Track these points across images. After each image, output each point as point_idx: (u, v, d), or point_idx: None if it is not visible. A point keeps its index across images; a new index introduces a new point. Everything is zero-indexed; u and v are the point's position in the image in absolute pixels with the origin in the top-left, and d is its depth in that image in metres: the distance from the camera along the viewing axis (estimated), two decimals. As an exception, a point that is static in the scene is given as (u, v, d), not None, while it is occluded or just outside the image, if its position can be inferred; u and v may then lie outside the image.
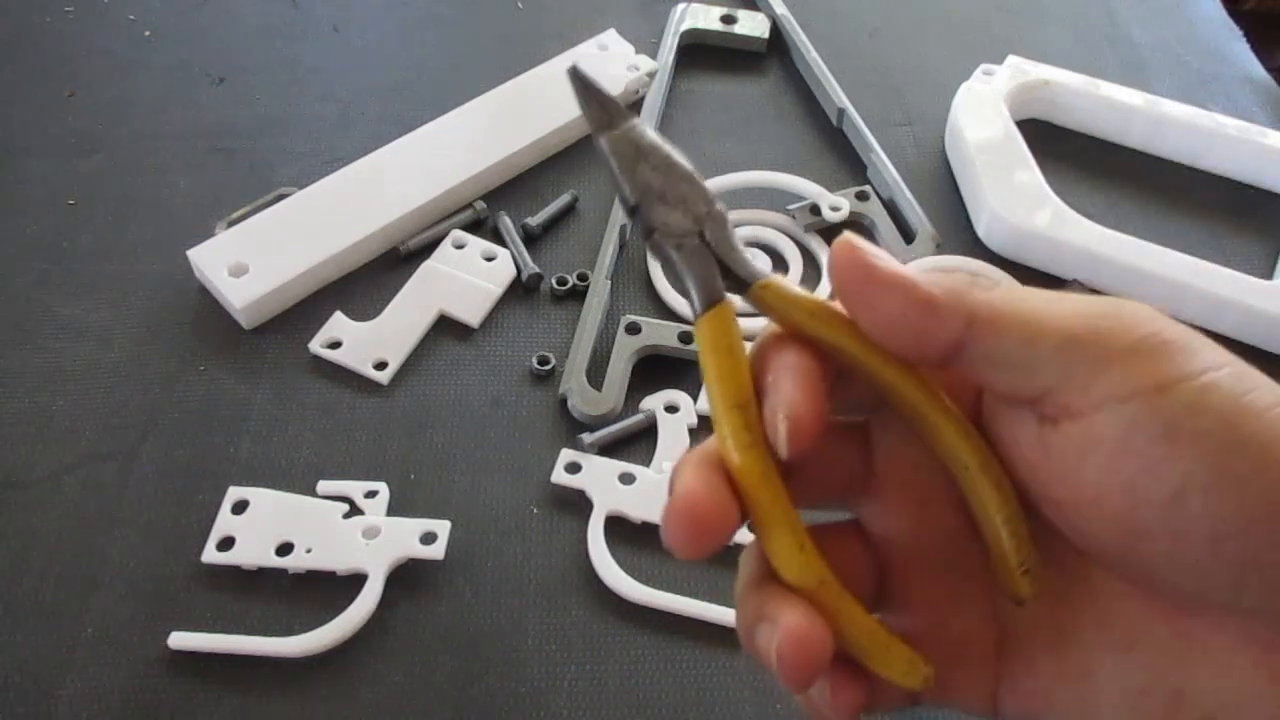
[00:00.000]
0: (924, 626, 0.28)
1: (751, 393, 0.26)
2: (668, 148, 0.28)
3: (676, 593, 0.46)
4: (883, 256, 0.25)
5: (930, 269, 0.26)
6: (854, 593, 0.26)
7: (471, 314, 0.56)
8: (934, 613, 0.28)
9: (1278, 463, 0.21)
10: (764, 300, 0.27)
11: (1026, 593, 0.26)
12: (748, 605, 0.26)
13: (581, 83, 0.27)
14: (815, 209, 0.61)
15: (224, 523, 0.47)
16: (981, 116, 0.65)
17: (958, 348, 0.24)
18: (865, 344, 0.26)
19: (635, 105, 0.67)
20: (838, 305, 0.26)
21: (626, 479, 0.49)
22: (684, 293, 0.28)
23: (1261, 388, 0.22)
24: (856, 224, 0.61)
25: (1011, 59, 0.68)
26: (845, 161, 0.66)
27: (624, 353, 0.54)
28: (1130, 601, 0.25)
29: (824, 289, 0.58)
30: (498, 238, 0.60)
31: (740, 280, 0.28)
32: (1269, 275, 0.59)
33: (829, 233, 0.61)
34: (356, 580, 0.46)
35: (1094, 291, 0.57)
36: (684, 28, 0.72)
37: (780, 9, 0.74)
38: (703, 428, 0.52)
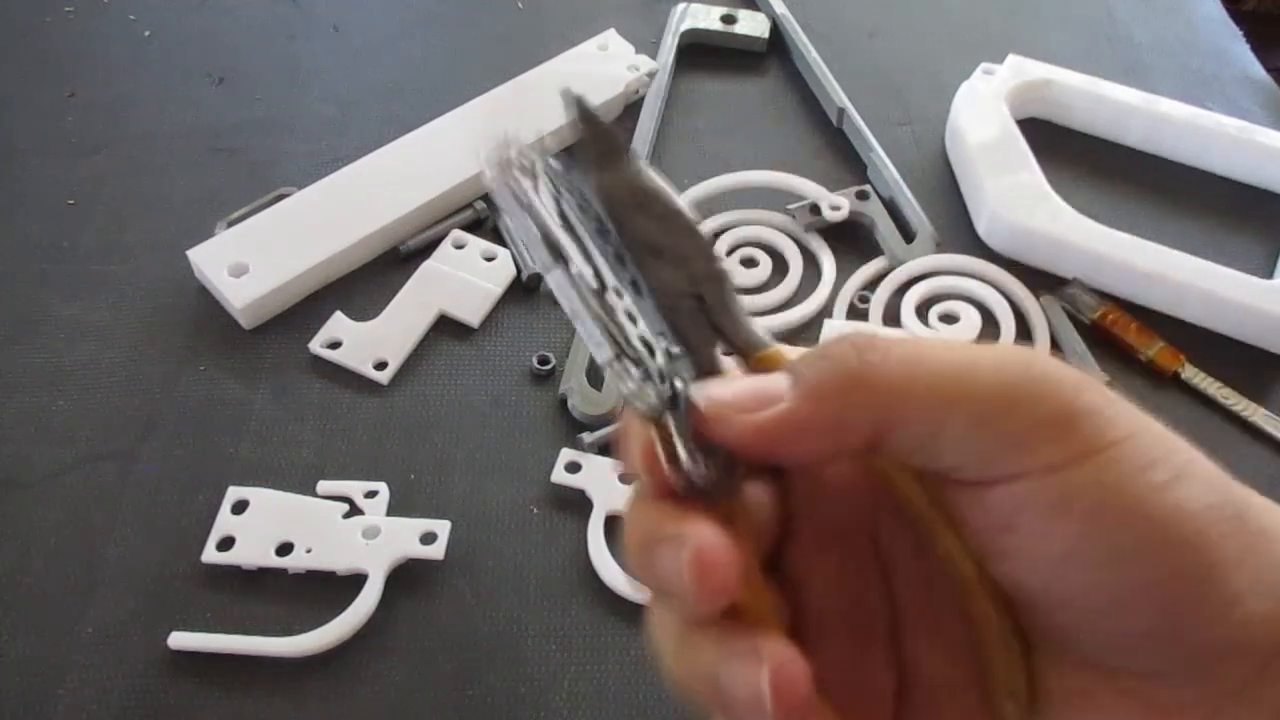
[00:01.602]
0: (829, 671, 0.26)
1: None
2: (670, 192, 0.25)
3: (676, 592, 0.46)
4: (745, 412, 0.23)
5: (807, 360, 0.23)
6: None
7: (471, 314, 0.56)
8: (840, 668, 0.27)
9: (1162, 539, 0.21)
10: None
11: (1009, 717, 0.25)
12: (643, 522, 0.24)
13: (579, 105, 0.25)
14: (815, 209, 0.61)
15: (224, 523, 0.47)
16: (981, 116, 0.65)
17: (871, 445, 0.23)
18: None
19: (635, 105, 0.67)
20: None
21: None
22: None
23: (1159, 462, 0.22)
24: (856, 223, 0.61)
25: (1011, 59, 0.68)
26: (845, 161, 0.66)
27: (624, 352, 0.54)
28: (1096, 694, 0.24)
29: (820, 297, 0.58)
30: (498, 238, 0.60)
31: (739, 349, 0.25)
32: (1269, 275, 0.59)
33: (829, 232, 0.61)
34: (356, 580, 0.46)
35: (1094, 291, 0.57)
36: (684, 28, 0.72)
37: (780, 9, 0.74)
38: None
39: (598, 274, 0.25)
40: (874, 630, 0.27)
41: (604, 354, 0.24)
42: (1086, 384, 0.22)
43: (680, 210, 0.25)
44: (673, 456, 0.23)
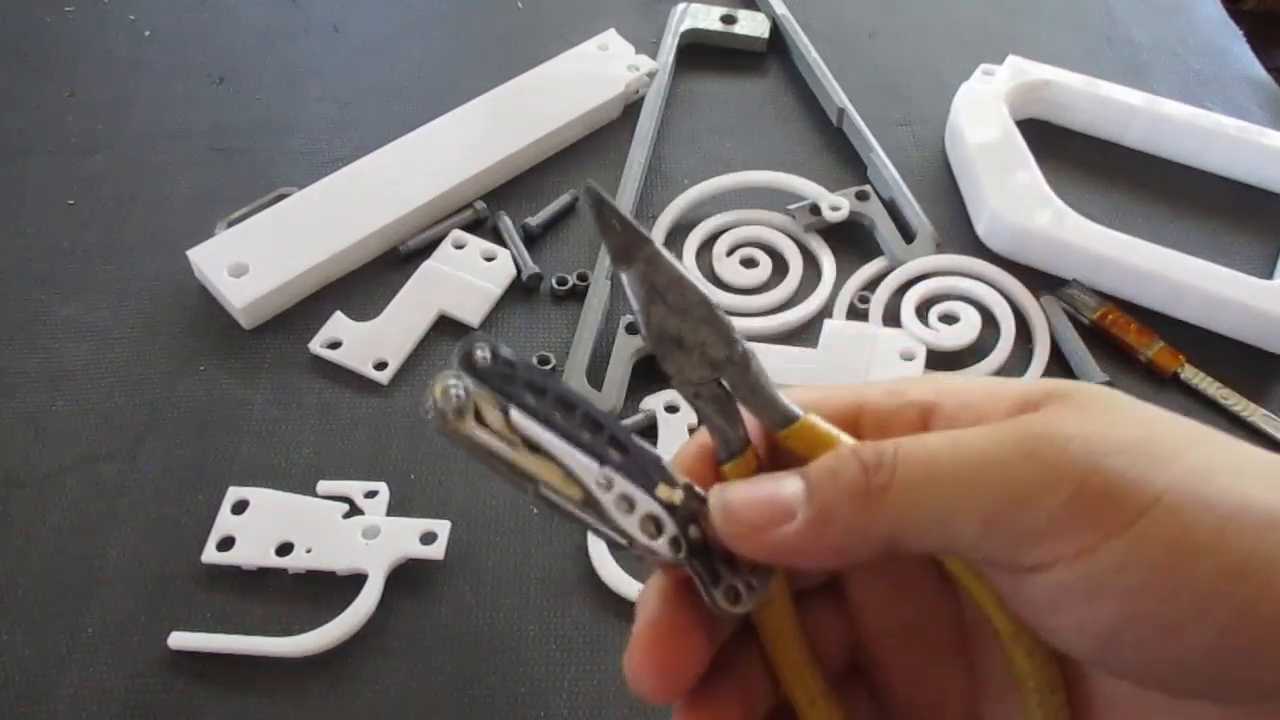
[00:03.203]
0: (898, 691, 0.28)
1: None
2: (687, 279, 0.25)
3: (676, 593, 0.46)
4: (765, 524, 0.23)
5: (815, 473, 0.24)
6: (827, 655, 0.26)
7: (471, 314, 0.56)
8: (907, 677, 0.28)
9: (1210, 604, 0.20)
10: (795, 449, 0.25)
11: None
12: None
13: (598, 204, 0.25)
14: (815, 209, 0.61)
15: (224, 523, 0.47)
16: (981, 116, 0.65)
17: (888, 554, 0.23)
18: None
19: (635, 105, 0.67)
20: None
21: (626, 479, 0.49)
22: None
23: (1197, 520, 0.20)
24: (856, 224, 0.61)
25: (1011, 59, 0.68)
26: (845, 161, 0.66)
27: (624, 353, 0.54)
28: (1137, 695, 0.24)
29: (819, 294, 0.58)
30: (498, 238, 0.60)
31: (768, 426, 0.25)
32: (1269, 275, 0.59)
33: (829, 233, 0.61)
34: (356, 580, 0.46)
35: (1094, 292, 0.57)
36: (684, 28, 0.72)
37: (780, 9, 0.74)
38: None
39: (577, 480, 0.23)
40: (938, 639, 0.27)
41: (618, 546, 0.24)
42: (1100, 451, 0.21)
43: (701, 297, 0.25)
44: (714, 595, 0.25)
